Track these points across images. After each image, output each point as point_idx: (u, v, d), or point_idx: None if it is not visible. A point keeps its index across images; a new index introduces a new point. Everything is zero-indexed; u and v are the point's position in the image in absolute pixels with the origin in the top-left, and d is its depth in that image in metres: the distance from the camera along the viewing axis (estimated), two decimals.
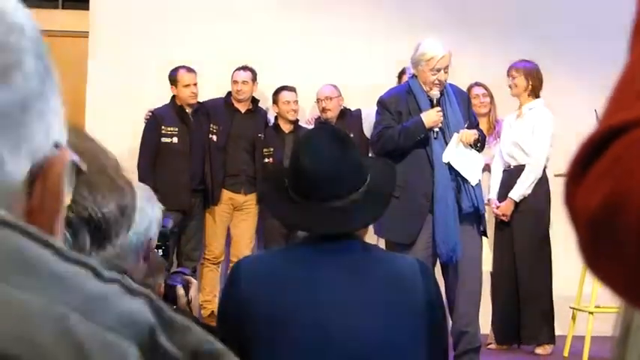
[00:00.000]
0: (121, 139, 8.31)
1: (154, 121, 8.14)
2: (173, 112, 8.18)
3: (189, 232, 8.16)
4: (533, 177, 7.27)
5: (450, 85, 6.14)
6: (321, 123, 8.40)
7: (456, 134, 5.90)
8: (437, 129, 5.88)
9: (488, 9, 8.92)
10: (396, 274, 2.56)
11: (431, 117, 5.88)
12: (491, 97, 7.99)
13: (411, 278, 2.56)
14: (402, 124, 5.92)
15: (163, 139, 8.09)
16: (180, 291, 2.99)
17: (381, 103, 6.13)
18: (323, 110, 8.36)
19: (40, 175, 0.83)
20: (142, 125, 8.22)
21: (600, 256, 0.84)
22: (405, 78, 7.70)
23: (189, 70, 8.20)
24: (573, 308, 7.12)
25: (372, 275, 2.53)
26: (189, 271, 3.24)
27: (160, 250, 3.07)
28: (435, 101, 5.96)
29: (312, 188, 2.55)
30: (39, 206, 0.83)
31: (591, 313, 6.83)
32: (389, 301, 2.50)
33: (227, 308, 2.58)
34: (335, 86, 8.40)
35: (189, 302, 2.99)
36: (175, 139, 8.10)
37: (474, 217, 5.92)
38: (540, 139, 7.30)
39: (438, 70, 5.94)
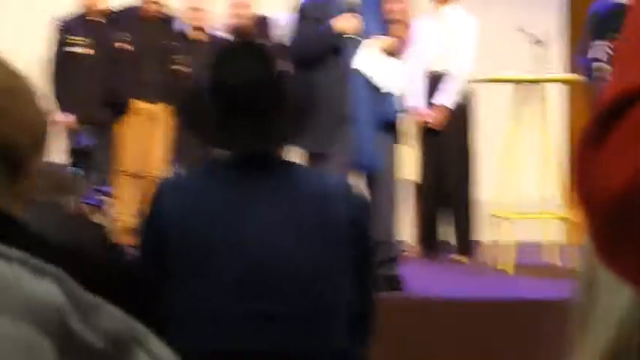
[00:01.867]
0: (27, 50, 8.08)
1: (63, 31, 7.89)
2: (82, 22, 7.92)
3: (102, 144, 7.95)
4: (462, 83, 7.19)
5: None
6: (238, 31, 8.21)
7: (369, 40, 5.75)
8: (353, 35, 5.72)
9: None
10: (319, 194, 2.53)
11: (346, 22, 5.72)
12: None
13: (334, 199, 2.53)
14: (318, 29, 5.76)
15: (71, 49, 7.84)
16: (85, 209, 2.88)
17: (301, 9, 5.96)
18: (236, 15, 8.16)
19: None
20: (48, 33, 7.98)
21: (622, 245, 0.68)
22: None
23: None
24: (494, 215, 7.09)
25: (293, 196, 2.51)
26: (108, 189, 3.15)
27: (77, 168, 2.98)
28: (350, 7, 5.79)
29: (231, 101, 2.51)
30: None
31: (510, 219, 6.82)
32: (309, 223, 2.48)
33: (148, 234, 2.56)
34: None
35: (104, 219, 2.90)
36: (83, 49, 7.86)
37: (389, 125, 5.82)
38: (468, 44, 7.22)
39: None
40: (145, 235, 2.56)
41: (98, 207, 2.94)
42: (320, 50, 5.73)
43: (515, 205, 6.86)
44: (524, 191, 7.13)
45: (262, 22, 8.25)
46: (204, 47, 8.10)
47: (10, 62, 1.56)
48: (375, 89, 5.73)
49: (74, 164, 2.86)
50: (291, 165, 2.64)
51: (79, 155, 2.81)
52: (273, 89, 2.53)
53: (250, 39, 2.91)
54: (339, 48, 5.72)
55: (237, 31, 8.18)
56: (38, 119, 1.54)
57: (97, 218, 2.94)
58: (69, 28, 7.91)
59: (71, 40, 7.87)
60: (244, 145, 2.52)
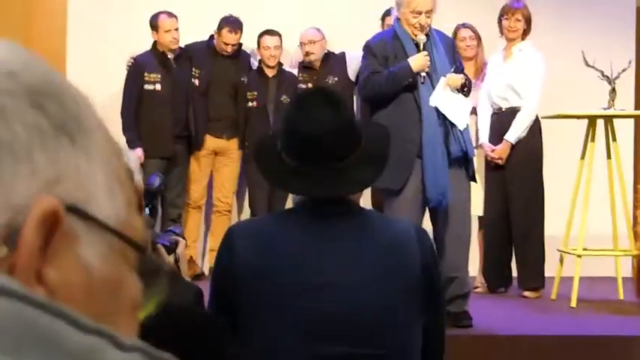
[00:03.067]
0: (103, 84, 8.24)
1: (137, 68, 8.03)
2: (155, 59, 8.06)
3: (173, 178, 8.09)
4: (529, 119, 7.19)
5: (436, 30, 6.06)
6: (304, 67, 8.32)
7: (442, 78, 5.82)
8: (424, 73, 5.81)
9: None
10: (393, 240, 2.55)
11: (418, 61, 5.80)
12: (479, 38, 7.86)
13: (407, 244, 2.55)
14: (389, 69, 5.84)
15: (146, 87, 7.99)
16: (161, 250, 2.94)
17: (367, 47, 6.06)
18: (306, 54, 8.27)
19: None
20: (124, 71, 8.11)
21: None
22: (389, 21, 7.63)
23: (170, 15, 8.07)
24: (561, 251, 7.09)
25: (369, 241, 2.52)
26: (180, 229, 3.20)
27: (147, 209, 3.03)
28: (421, 45, 5.87)
29: (308, 151, 2.51)
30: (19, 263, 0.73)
31: (579, 256, 6.80)
32: (385, 268, 2.50)
33: (221, 281, 2.58)
34: (318, 29, 8.30)
35: (176, 261, 2.94)
36: (158, 86, 8.00)
37: (462, 161, 5.87)
38: (534, 81, 7.21)
39: (419, 13, 5.86)
40: (217, 280, 2.60)
41: (171, 248, 2.98)
42: (392, 90, 5.81)
43: (584, 240, 6.84)
44: (593, 227, 7.12)
45: (335, 59, 8.34)
46: (276, 83, 8.23)
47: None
48: (449, 126, 5.79)
49: (145, 205, 2.90)
50: (362, 210, 2.66)
51: (150, 196, 2.86)
52: (347, 137, 2.54)
53: (323, 86, 2.88)
54: (412, 85, 5.80)
55: (307, 67, 8.29)
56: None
57: (169, 259, 3.00)
58: (143, 64, 8.03)
59: (146, 76, 8.01)
60: (319, 192, 2.55)
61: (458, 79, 5.86)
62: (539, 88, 7.22)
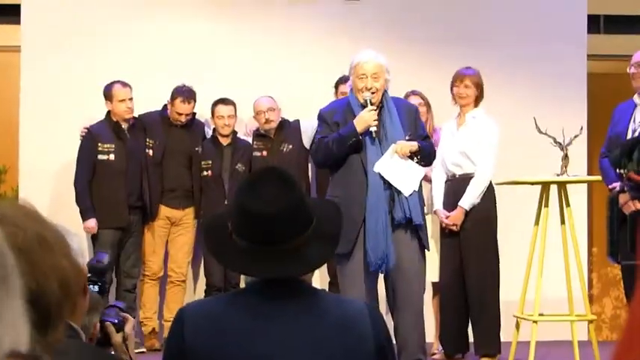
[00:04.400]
0: (55, 154, 8.21)
1: (90, 139, 7.99)
2: (109, 129, 8.03)
3: (128, 248, 8.05)
4: (482, 186, 7.22)
5: (397, 98, 6.18)
6: (259, 135, 8.33)
7: (393, 145, 5.87)
8: (373, 128, 5.87)
9: (419, 22, 8.89)
10: (345, 320, 2.52)
11: (362, 118, 5.89)
12: (428, 105, 7.93)
13: (359, 325, 2.52)
14: (337, 132, 5.93)
15: (100, 157, 7.95)
16: (111, 328, 2.90)
17: (320, 116, 6.15)
18: (266, 121, 8.27)
19: None
20: (78, 140, 8.07)
21: None
22: (343, 89, 7.70)
23: (124, 84, 8.06)
24: (517, 317, 7.09)
25: (321, 322, 2.49)
26: (125, 305, 3.15)
27: (96, 287, 2.98)
28: (368, 102, 5.94)
29: (259, 231, 2.49)
30: None
31: (535, 322, 6.81)
32: (338, 350, 2.47)
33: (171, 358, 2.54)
34: (272, 97, 8.33)
35: (124, 339, 2.90)
36: (112, 156, 7.97)
37: (411, 228, 5.88)
38: (487, 147, 7.25)
39: (364, 76, 5.96)
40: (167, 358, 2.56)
41: (120, 326, 2.93)
42: (339, 152, 5.87)
43: (540, 305, 6.85)
44: (549, 291, 7.14)
45: (289, 127, 8.36)
46: (231, 151, 8.23)
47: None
48: (395, 191, 5.82)
49: (92, 282, 2.87)
50: (314, 290, 2.62)
51: (98, 274, 2.83)
52: (299, 217, 2.51)
53: (273, 165, 2.80)
54: (359, 147, 5.86)
55: (262, 136, 8.31)
56: (70, 271, 1.56)
57: (118, 337, 2.94)
58: (97, 134, 7.99)
59: (99, 147, 7.96)
60: (269, 274, 2.51)
61: (407, 146, 5.90)
62: (492, 155, 7.26)
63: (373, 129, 5.86)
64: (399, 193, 5.83)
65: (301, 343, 2.44)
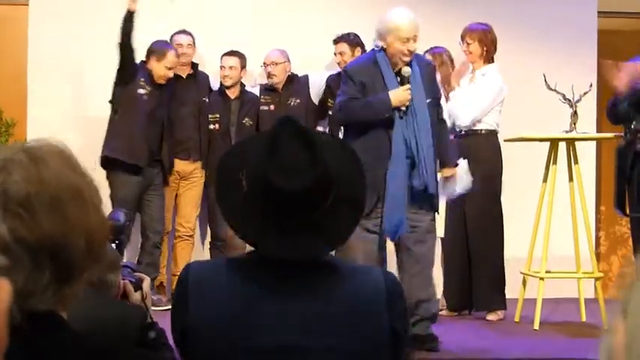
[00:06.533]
0: (64, 107, 8.22)
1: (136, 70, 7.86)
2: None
3: (152, 205, 7.96)
4: (459, 122, 7.27)
5: (417, 55, 6.03)
6: (266, 89, 8.29)
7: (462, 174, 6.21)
8: (403, 108, 5.80)
9: None
10: (360, 300, 2.32)
11: (398, 96, 5.79)
12: (451, 60, 7.84)
13: (374, 305, 2.32)
14: (368, 98, 5.83)
15: (139, 90, 7.83)
16: (129, 287, 2.90)
17: (345, 72, 6.03)
18: (269, 75, 8.25)
19: None
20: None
21: None
22: (341, 48, 7.73)
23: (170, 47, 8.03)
24: (524, 274, 7.11)
25: (331, 301, 2.30)
26: (135, 264, 3.15)
27: (114, 245, 2.98)
28: (405, 79, 5.84)
29: (280, 205, 2.28)
30: None
31: (542, 278, 6.82)
32: (349, 331, 2.29)
33: (179, 333, 2.36)
34: (282, 51, 8.29)
35: (143, 298, 2.90)
36: (145, 97, 7.85)
37: (426, 195, 5.86)
38: (477, 98, 7.23)
39: (407, 40, 5.83)
40: (173, 327, 2.40)
41: (138, 285, 2.93)
42: (367, 119, 5.81)
43: (547, 262, 6.86)
44: (556, 249, 7.14)
45: (298, 82, 8.33)
46: (238, 105, 8.20)
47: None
48: (418, 161, 5.81)
49: (112, 241, 2.86)
50: (328, 263, 2.39)
51: (116, 231, 2.81)
52: (323, 188, 2.31)
53: (292, 119, 2.40)
54: (389, 119, 5.79)
55: (269, 89, 8.28)
56: (98, 227, 1.53)
57: (137, 295, 2.95)
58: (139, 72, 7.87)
59: (140, 82, 7.84)
60: (294, 254, 2.31)
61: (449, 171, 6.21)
62: (478, 106, 7.22)
63: (403, 108, 5.82)
64: (419, 162, 5.80)
65: (306, 321, 2.29)
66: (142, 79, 7.80)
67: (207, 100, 8.21)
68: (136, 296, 2.90)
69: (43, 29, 8.47)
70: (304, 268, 2.32)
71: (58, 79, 8.42)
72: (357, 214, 2.41)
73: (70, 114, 8.34)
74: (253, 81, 8.54)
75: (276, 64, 8.24)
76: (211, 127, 8.16)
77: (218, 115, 8.18)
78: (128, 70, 7.68)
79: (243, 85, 8.31)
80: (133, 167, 7.70)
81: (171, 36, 8.24)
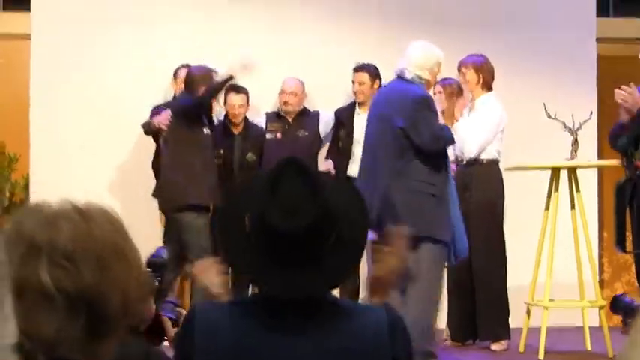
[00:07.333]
0: (67, 142, 8.24)
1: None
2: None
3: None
4: (465, 152, 7.31)
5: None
6: (277, 116, 8.24)
7: None
8: None
9: (431, 7, 8.88)
10: (361, 334, 2.33)
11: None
12: (461, 91, 7.83)
13: (378, 338, 2.34)
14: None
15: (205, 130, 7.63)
16: (168, 323, 2.93)
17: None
18: (284, 103, 8.19)
19: None
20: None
21: None
22: (363, 77, 7.78)
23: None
24: (528, 303, 7.10)
25: (333, 338, 2.31)
26: (178, 300, 3.18)
27: (156, 281, 3.01)
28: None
29: (281, 246, 2.30)
30: None
31: (546, 307, 6.82)
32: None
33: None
34: (302, 82, 8.25)
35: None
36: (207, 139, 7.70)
37: None
38: (479, 128, 7.26)
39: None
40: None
41: (176, 320, 2.96)
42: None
43: (551, 291, 6.86)
44: (559, 277, 7.15)
45: (308, 114, 8.28)
46: (241, 140, 8.12)
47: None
48: None
49: (155, 277, 2.90)
50: (328, 301, 2.41)
51: (157, 268, 2.85)
52: (325, 229, 2.32)
53: (298, 162, 2.38)
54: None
55: (280, 116, 8.23)
56: (136, 287, 1.59)
57: (170, 332, 2.98)
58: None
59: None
60: (286, 292, 2.33)
61: None
62: (482, 137, 7.25)
63: None
64: None
65: (309, 359, 2.31)
66: (205, 119, 7.66)
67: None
68: (172, 332, 2.93)
69: (45, 63, 8.50)
70: (306, 306, 2.34)
71: (61, 113, 8.43)
72: (358, 254, 2.42)
73: (73, 149, 8.35)
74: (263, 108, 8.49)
75: (296, 94, 8.21)
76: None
77: (221, 151, 8.01)
78: (201, 114, 7.57)
79: (246, 119, 8.24)
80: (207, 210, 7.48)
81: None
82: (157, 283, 2.98)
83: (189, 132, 7.44)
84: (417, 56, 6.07)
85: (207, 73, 7.51)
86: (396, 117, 5.95)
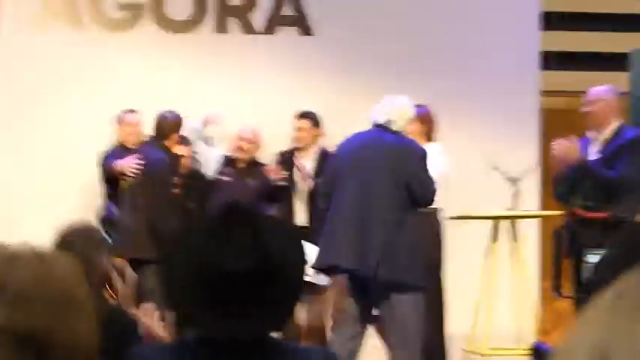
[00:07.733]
0: None
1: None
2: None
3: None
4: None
5: None
6: (230, 160, 8.23)
7: None
8: None
9: (371, 57, 8.99)
10: None
11: None
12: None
13: None
14: None
15: None
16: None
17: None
18: (239, 149, 8.15)
19: None
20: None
21: None
22: (305, 124, 7.80)
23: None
24: (466, 350, 7.13)
25: None
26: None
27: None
28: None
29: (227, 288, 2.30)
30: None
31: (483, 355, 6.86)
32: None
33: None
34: (259, 131, 8.25)
35: None
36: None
37: None
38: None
39: None
40: None
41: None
42: None
43: (489, 339, 6.90)
44: (499, 326, 7.19)
45: (258, 165, 8.24)
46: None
47: (78, 269, 1.63)
48: None
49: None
50: (275, 344, 2.44)
51: (106, 224, 2.88)
52: (267, 271, 2.33)
53: (240, 207, 2.38)
54: None
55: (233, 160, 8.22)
56: (87, 335, 1.58)
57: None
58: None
59: None
60: (230, 332, 2.33)
61: None
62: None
63: None
64: None
65: None
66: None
67: None
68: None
69: None
70: (249, 348, 2.35)
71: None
72: (297, 296, 2.45)
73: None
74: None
75: (253, 143, 8.20)
76: None
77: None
78: None
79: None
80: None
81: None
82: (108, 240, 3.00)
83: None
84: (405, 110, 6.23)
85: (178, 120, 7.66)
86: (399, 169, 6.05)
